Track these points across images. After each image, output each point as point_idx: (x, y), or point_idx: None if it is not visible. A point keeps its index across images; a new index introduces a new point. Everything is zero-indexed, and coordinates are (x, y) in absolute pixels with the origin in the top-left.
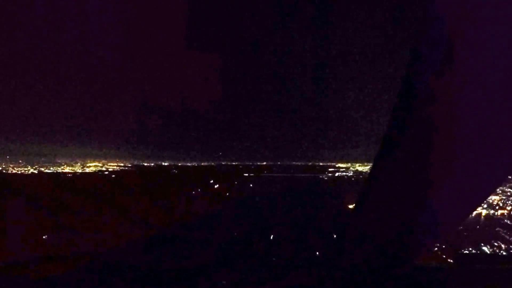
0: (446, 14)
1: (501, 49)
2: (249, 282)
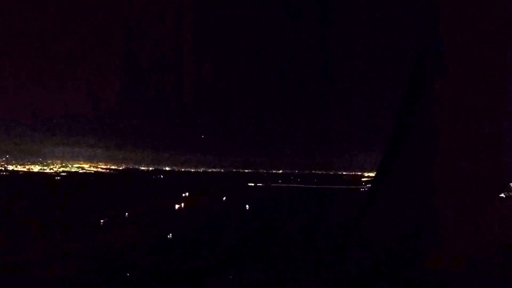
0: (450, 20)
1: (503, 54)
2: (258, 283)
